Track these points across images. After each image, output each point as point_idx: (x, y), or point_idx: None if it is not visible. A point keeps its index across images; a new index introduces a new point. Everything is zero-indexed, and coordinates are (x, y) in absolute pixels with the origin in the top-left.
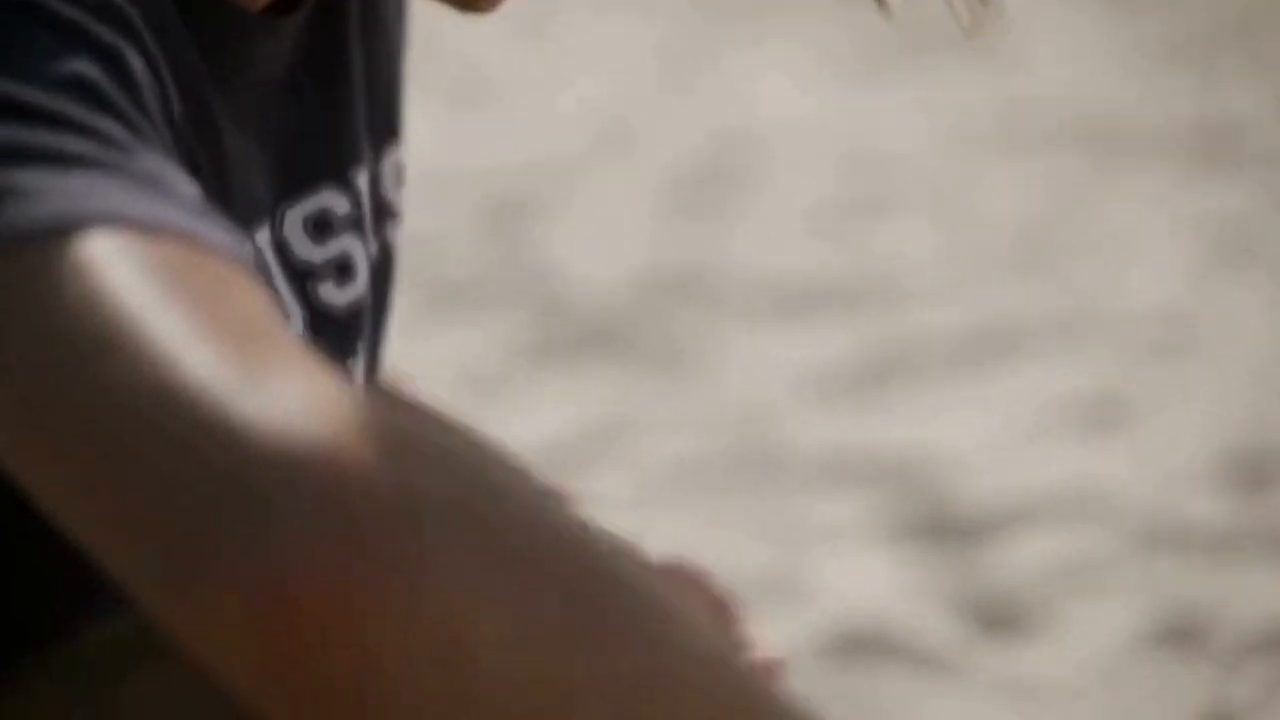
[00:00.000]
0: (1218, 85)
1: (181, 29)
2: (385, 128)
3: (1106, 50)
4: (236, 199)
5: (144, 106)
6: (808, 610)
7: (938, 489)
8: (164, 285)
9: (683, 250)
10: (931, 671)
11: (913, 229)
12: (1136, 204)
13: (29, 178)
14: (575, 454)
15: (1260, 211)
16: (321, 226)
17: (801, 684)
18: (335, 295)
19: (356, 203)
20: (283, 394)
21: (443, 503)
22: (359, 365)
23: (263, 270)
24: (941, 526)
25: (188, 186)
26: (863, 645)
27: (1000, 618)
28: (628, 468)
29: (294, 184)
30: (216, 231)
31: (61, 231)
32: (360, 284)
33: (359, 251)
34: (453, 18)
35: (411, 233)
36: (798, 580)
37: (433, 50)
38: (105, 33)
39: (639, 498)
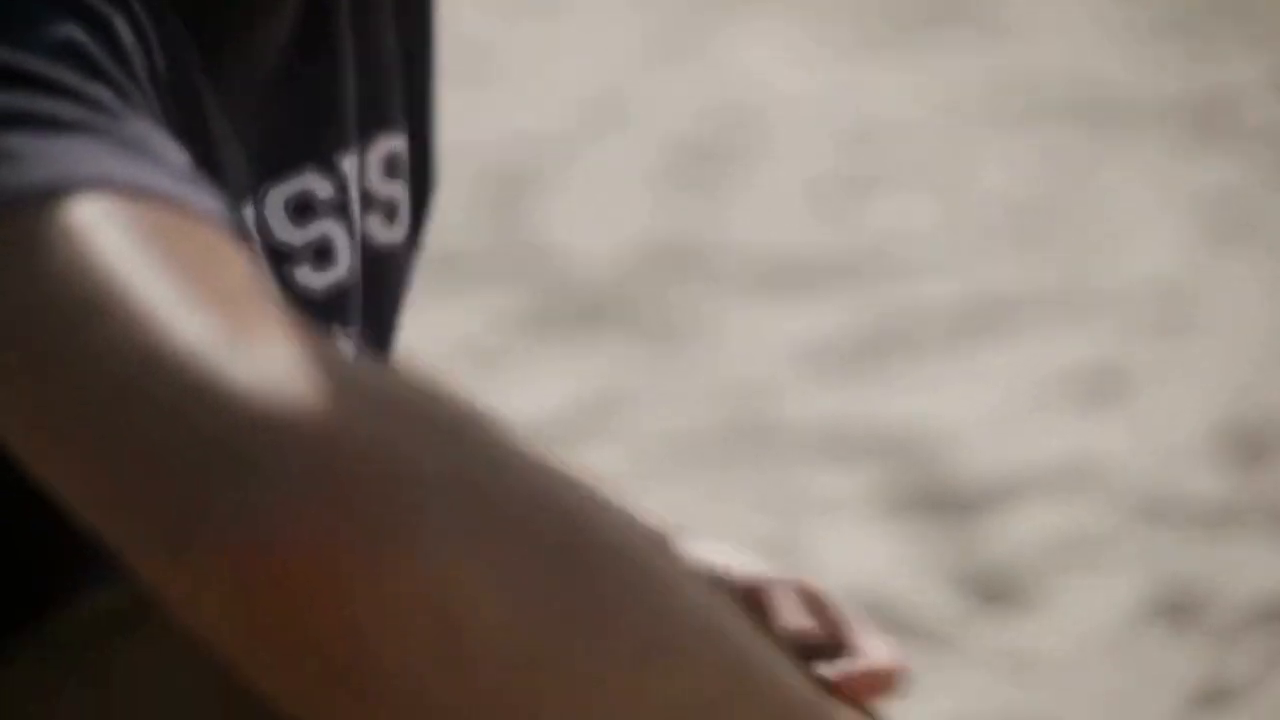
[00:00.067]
0: (1215, 58)
1: (168, 3)
2: (376, 116)
3: (1104, 23)
4: (218, 173)
5: (133, 73)
6: None
7: (936, 463)
8: (153, 251)
9: (680, 224)
10: (929, 644)
11: (910, 203)
12: (1134, 177)
13: (20, 142)
14: (573, 427)
15: (1257, 184)
16: (302, 209)
17: None
18: (312, 279)
19: (341, 187)
20: (271, 359)
21: (434, 469)
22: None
23: (249, 239)
24: (939, 500)
25: (177, 153)
26: None
27: (998, 591)
28: (626, 441)
29: (277, 164)
30: (205, 198)
31: (51, 196)
32: (342, 268)
33: (341, 236)
34: None
35: None
36: (796, 554)
37: None
38: (94, 1)
39: (637, 471)
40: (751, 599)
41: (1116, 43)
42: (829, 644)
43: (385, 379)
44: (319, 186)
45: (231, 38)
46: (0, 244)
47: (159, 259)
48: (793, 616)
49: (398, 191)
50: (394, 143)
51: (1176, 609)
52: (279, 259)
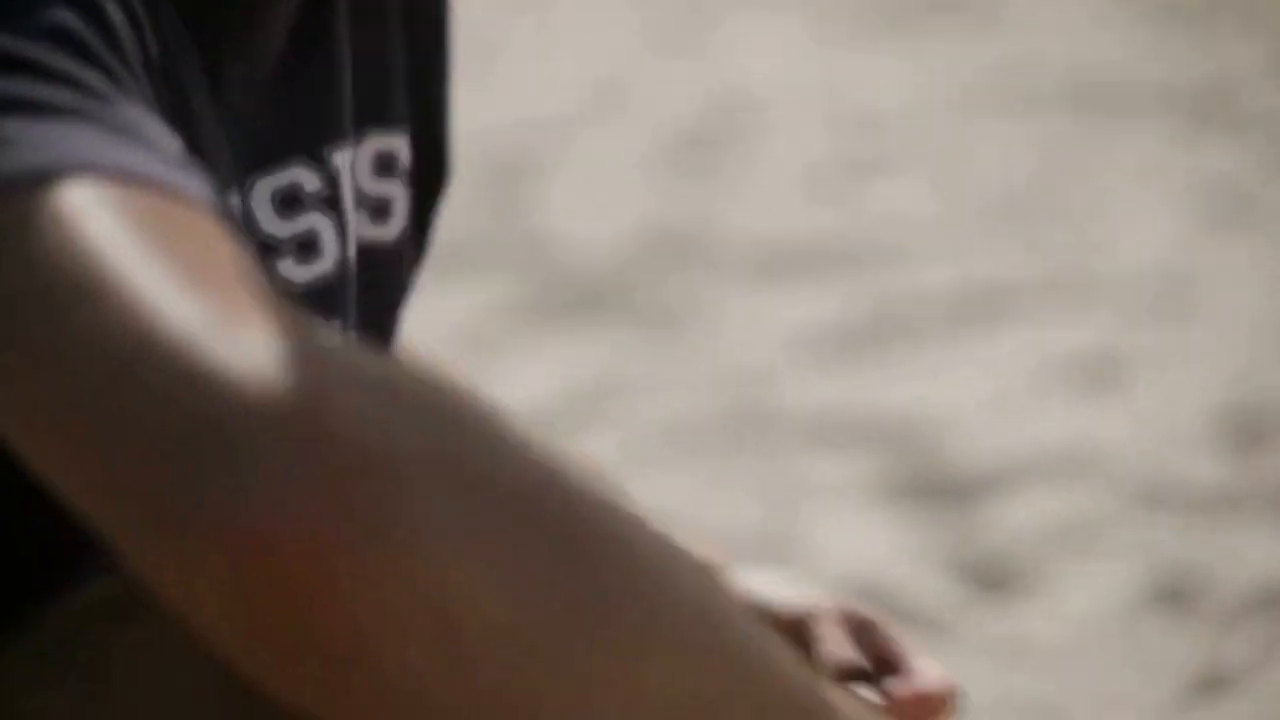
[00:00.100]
0: (1213, 45)
1: None
2: (372, 114)
3: (1101, 11)
4: (205, 161)
5: (126, 59)
6: (802, 570)
7: (933, 449)
8: (144, 236)
9: (677, 211)
10: (927, 631)
11: (908, 190)
12: (1132, 164)
13: (11, 127)
14: (571, 415)
15: (1255, 171)
16: (289, 201)
17: None
18: (295, 272)
19: (331, 181)
20: (262, 345)
21: (428, 455)
22: None
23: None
24: (938, 487)
25: (169, 138)
26: None
27: (996, 577)
28: (622, 429)
29: (265, 156)
30: (196, 183)
31: (42, 181)
32: (327, 263)
33: (328, 230)
34: None
35: None
36: (793, 540)
37: None
38: None
39: (635, 459)
40: (797, 629)
41: (1114, 30)
42: (876, 671)
43: (380, 367)
44: (307, 179)
45: (231, 37)
46: None
47: (150, 244)
48: (837, 646)
49: (390, 190)
50: (390, 142)
51: (1175, 595)
52: (262, 251)
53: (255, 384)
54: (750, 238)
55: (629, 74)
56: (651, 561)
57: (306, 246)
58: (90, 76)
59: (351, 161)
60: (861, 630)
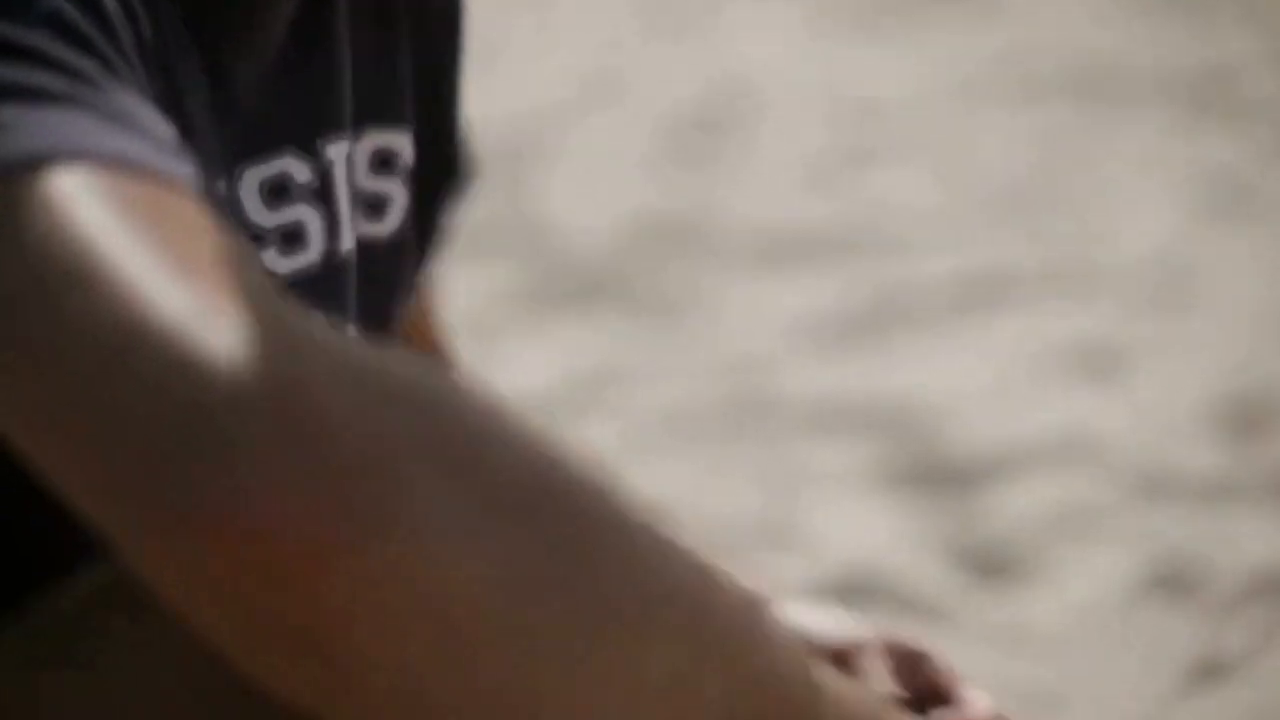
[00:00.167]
0: (1214, 33)
1: None
2: (372, 110)
3: (1101, 0)
4: (194, 148)
5: (119, 45)
6: (802, 557)
7: (933, 436)
8: (133, 222)
9: (676, 199)
10: (925, 618)
11: (907, 178)
12: (1132, 152)
13: (4, 113)
14: (570, 402)
15: (1255, 160)
16: (278, 192)
17: None
18: (277, 263)
19: (323, 174)
20: (252, 333)
21: (426, 453)
22: None
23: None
24: (936, 474)
25: (161, 125)
26: (857, 592)
27: (995, 565)
28: (623, 416)
29: (257, 145)
30: (188, 171)
31: (33, 167)
32: (312, 254)
33: (315, 222)
34: None
35: None
36: (792, 527)
37: None
38: None
39: (634, 446)
40: (841, 661)
41: (1114, 19)
42: (926, 702)
43: (371, 355)
44: (298, 170)
45: (232, 37)
46: None
47: (140, 230)
48: (880, 679)
49: (387, 188)
50: (391, 140)
51: (1174, 582)
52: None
53: (243, 373)
54: (750, 226)
55: (628, 62)
56: (650, 555)
57: (291, 238)
58: (84, 64)
59: (348, 156)
60: (909, 662)
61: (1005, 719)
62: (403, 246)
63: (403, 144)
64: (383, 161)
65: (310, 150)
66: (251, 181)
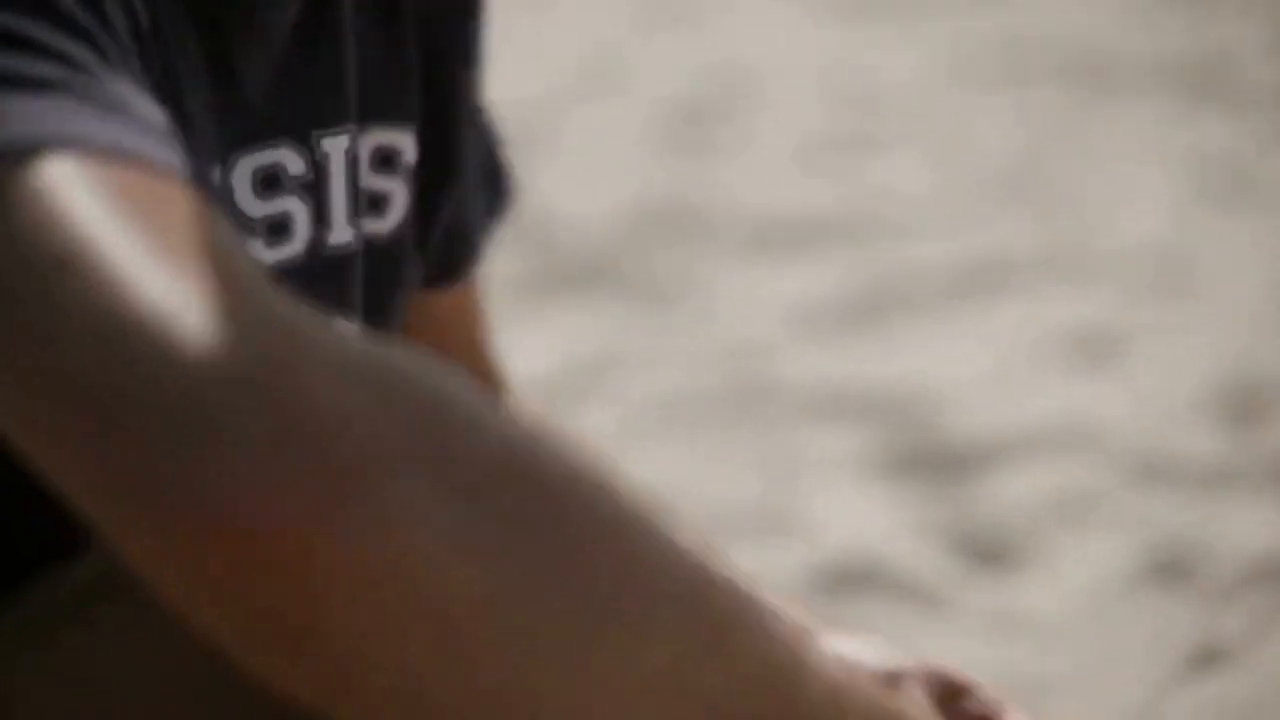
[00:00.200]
0: (1211, 20)
1: None
2: (375, 108)
3: None
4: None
5: (115, 32)
6: (799, 544)
7: (930, 423)
8: (123, 210)
9: (674, 186)
10: (923, 605)
11: (905, 164)
12: (1130, 139)
13: None
14: (567, 390)
15: (1253, 146)
16: (269, 182)
17: None
18: (262, 254)
19: (317, 167)
20: (240, 322)
21: (403, 435)
22: None
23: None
24: (935, 461)
25: (154, 113)
26: (854, 578)
27: (992, 551)
28: (619, 403)
29: (253, 134)
30: (178, 159)
31: (24, 155)
32: (297, 246)
33: (302, 215)
34: None
35: None
36: (789, 514)
37: None
38: None
39: (632, 433)
40: None
41: (1112, 5)
42: None
43: (366, 348)
44: (291, 162)
45: (233, 37)
46: None
47: (129, 219)
48: (923, 710)
49: (388, 185)
50: (393, 138)
51: (1172, 569)
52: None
53: (231, 362)
54: (748, 212)
55: (625, 49)
56: (650, 554)
57: (277, 228)
58: (78, 51)
59: (347, 151)
60: (952, 694)
61: None
62: (402, 245)
63: (405, 143)
64: (384, 160)
65: (306, 142)
66: (245, 170)
